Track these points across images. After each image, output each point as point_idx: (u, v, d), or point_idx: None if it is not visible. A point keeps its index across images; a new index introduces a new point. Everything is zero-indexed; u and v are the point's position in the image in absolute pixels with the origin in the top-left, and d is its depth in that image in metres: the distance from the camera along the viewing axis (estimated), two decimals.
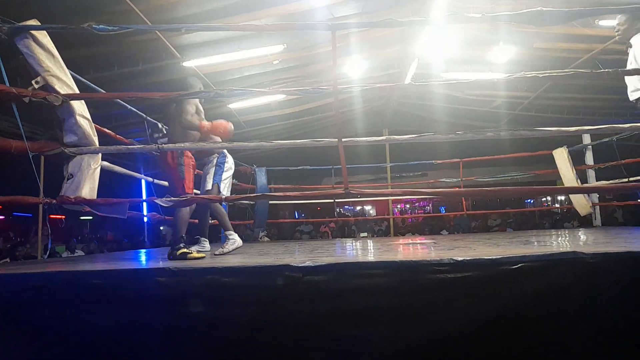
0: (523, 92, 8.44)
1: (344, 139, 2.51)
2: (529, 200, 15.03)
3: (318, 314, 1.94)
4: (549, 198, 15.04)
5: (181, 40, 5.39)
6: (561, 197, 13.48)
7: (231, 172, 3.61)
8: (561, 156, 5.97)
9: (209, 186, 3.43)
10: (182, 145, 2.68)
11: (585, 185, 6.06)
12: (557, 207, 12.77)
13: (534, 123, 9.12)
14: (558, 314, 1.88)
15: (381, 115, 10.57)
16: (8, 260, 5.62)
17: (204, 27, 4.42)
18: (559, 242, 3.49)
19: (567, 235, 4.66)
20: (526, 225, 9.79)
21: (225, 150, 3.52)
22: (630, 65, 3.19)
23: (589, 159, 6.30)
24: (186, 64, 5.77)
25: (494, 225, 10.20)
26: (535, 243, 3.44)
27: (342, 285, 1.94)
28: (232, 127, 3.17)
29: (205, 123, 3.10)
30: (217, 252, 3.09)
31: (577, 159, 6.14)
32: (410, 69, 6.90)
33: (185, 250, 2.69)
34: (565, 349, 1.87)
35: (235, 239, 3.27)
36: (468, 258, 1.94)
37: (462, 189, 3.19)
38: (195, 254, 2.71)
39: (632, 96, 3.38)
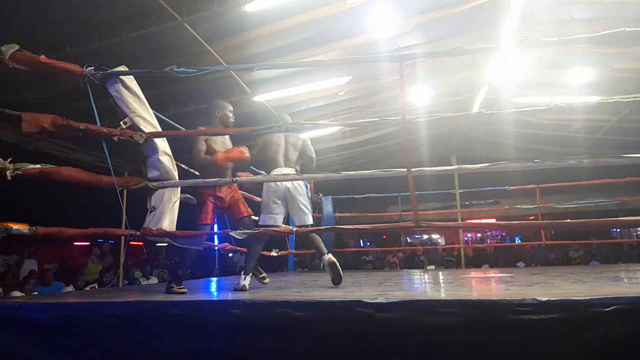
0: (604, 115, 7.91)
1: (413, 169, 2.47)
2: (615, 230, 13.86)
3: (389, 351, 1.88)
4: (638, 229, 13.77)
5: (252, 77, 5.64)
6: None
7: (265, 199, 3.39)
8: None
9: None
10: (255, 178, 2.77)
11: None
12: None
13: (619, 147, 8.47)
14: None
15: (448, 141, 10.33)
16: (96, 286, 6.02)
17: (275, 65, 4.60)
18: None
19: None
20: (613, 258, 8.99)
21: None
22: None
23: None
24: (256, 98, 6.01)
25: (575, 256, 9.47)
26: (625, 280, 3.15)
27: (415, 323, 1.89)
28: (247, 150, 3.20)
29: (219, 155, 3.14)
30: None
31: None
32: (479, 94, 6.72)
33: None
34: None
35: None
36: (553, 298, 1.81)
37: (540, 222, 3.01)
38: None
39: None
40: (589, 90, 6.28)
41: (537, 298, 1.81)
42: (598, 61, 5.75)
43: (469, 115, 8.18)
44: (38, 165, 2.51)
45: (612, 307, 1.75)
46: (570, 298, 1.82)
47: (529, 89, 6.91)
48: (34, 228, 2.45)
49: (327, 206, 6.93)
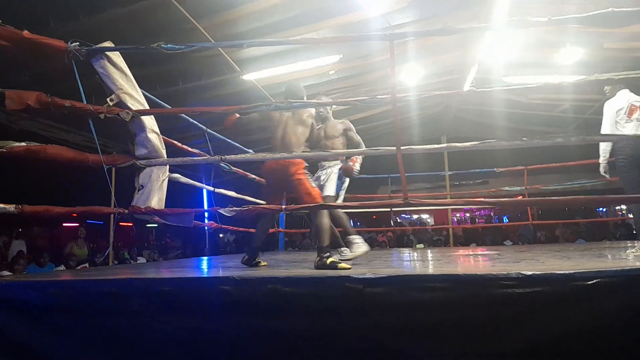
0: (593, 94, 7.94)
1: (402, 147, 2.47)
2: (601, 209, 14.11)
3: (378, 326, 1.92)
4: (623, 207, 14.02)
5: (241, 55, 5.57)
6: None
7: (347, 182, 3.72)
8: None
9: (331, 192, 3.51)
10: (244, 156, 2.75)
11: None
12: (632, 217, 11.85)
13: None
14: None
15: (439, 122, 10.35)
16: (87, 265, 6.02)
17: (265, 42, 4.54)
18: (638, 256, 3.25)
19: None
20: (598, 236, 9.17)
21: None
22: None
23: None
24: (245, 77, 5.95)
25: (562, 235, 9.63)
26: (609, 256, 3.22)
27: (403, 298, 1.91)
28: None
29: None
30: (343, 257, 3.08)
31: None
32: (470, 74, 6.71)
33: (334, 260, 2.62)
34: None
35: (359, 243, 3.20)
36: (537, 272, 1.84)
37: (527, 199, 3.05)
38: (343, 264, 2.61)
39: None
40: (579, 70, 6.29)
41: (522, 272, 1.85)
42: (588, 41, 5.76)
43: (460, 95, 8.20)
44: (23, 143, 2.46)
45: (595, 281, 1.79)
46: (554, 272, 1.85)
47: (519, 68, 6.91)
48: (19, 206, 2.42)
49: None
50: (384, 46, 5.55)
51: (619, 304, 1.76)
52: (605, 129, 3.66)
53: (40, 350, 2.17)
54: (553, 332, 1.79)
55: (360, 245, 3.20)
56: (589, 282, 1.79)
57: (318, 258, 2.64)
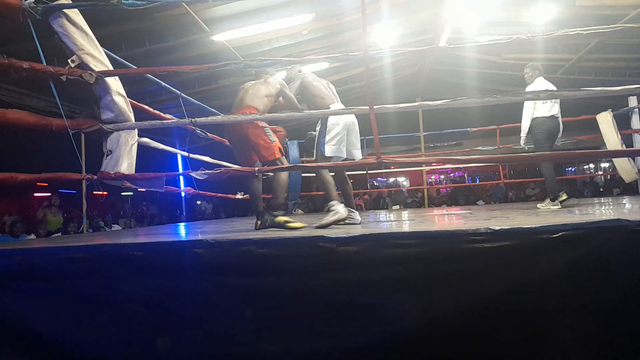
0: (564, 54, 8.01)
1: (375, 106, 2.45)
2: (570, 169, 14.53)
3: (352, 283, 1.95)
4: (591, 166, 14.48)
5: (210, 14, 5.37)
6: (604, 165, 12.95)
7: (338, 128, 3.20)
8: (605, 120, 5.70)
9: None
10: (214, 118, 2.70)
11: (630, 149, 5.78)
12: (600, 174, 12.26)
13: (576, 86, 8.66)
14: (601, 284, 1.83)
15: (413, 83, 10.33)
16: (60, 234, 5.91)
17: None
18: (602, 210, 3.37)
19: (611, 203, 4.50)
20: (567, 194, 9.48)
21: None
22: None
23: (635, 122, 5.98)
24: (215, 37, 5.76)
25: (532, 194, 9.92)
26: (576, 211, 3.33)
27: (376, 255, 1.94)
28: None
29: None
30: (316, 225, 2.74)
31: (622, 123, 5.85)
32: (444, 33, 6.65)
33: (285, 218, 2.51)
34: (608, 320, 1.82)
35: (338, 210, 2.81)
36: (505, 227, 1.89)
37: (499, 155, 3.10)
38: (295, 224, 2.49)
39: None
40: (552, 28, 6.30)
41: (491, 227, 1.89)
42: None
43: (434, 54, 8.16)
44: None
45: (559, 234, 1.85)
46: (521, 226, 1.90)
47: (492, 27, 6.90)
48: None
49: (293, 151, 6.86)
50: (357, 4, 5.43)
51: (582, 254, 1.83)
52: (529, 109, 4.33)
53: (12, 318, 2.14)
54: (520, 283, 1.86)
55: (337, 212, 2.83)
56: (554, 235, 1.84)
57: (268, 215, 2.56)
